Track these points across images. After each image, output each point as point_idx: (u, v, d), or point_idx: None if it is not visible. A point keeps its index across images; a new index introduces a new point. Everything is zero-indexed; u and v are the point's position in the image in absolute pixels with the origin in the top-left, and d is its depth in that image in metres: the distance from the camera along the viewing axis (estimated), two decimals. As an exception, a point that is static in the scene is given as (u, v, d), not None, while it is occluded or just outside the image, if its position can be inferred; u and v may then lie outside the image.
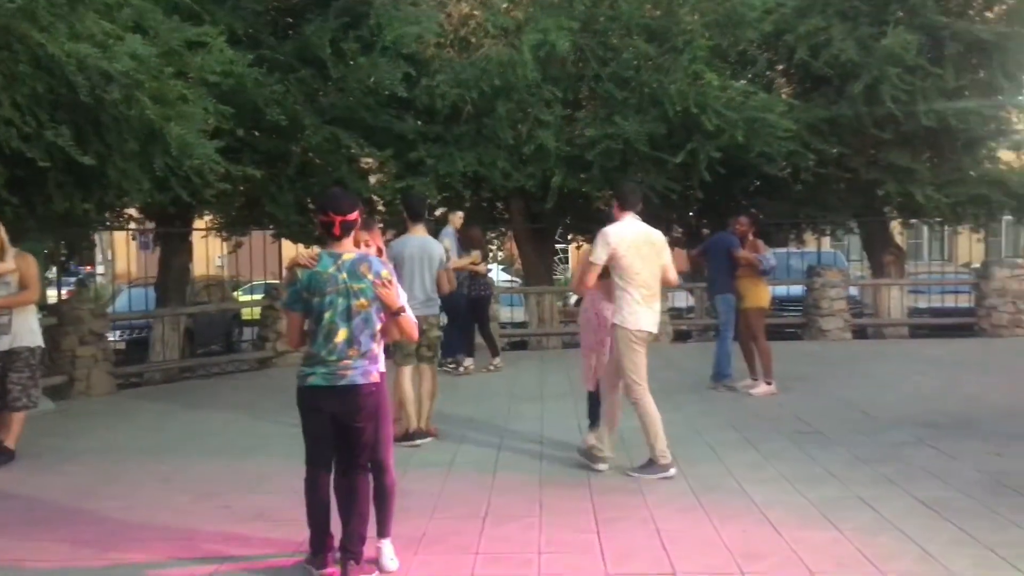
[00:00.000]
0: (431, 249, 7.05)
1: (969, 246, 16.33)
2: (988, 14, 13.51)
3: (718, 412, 7.94)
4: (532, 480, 5.87)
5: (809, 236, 16.24)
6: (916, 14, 12.73)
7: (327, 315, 4.06)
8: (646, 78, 11.94)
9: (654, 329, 6.05)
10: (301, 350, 4.29)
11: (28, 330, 6.79)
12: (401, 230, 7.32)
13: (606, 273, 6.01)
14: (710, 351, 9.54)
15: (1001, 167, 14.03)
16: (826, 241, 16.33)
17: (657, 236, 6.13)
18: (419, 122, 12.12)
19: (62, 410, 8.98)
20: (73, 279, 18.18)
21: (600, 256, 5.93)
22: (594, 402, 6.42)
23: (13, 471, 6.47)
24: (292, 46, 10.94)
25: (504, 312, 13.98)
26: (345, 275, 4.07)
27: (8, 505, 5.65)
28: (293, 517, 4.77)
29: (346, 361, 4.06)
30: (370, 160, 12.38)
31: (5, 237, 6.68)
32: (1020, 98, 13.52)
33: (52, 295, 12.65)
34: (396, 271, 4.70)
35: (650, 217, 15.80)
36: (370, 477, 4.26)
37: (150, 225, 13.80)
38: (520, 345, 13.78)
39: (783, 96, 13.51)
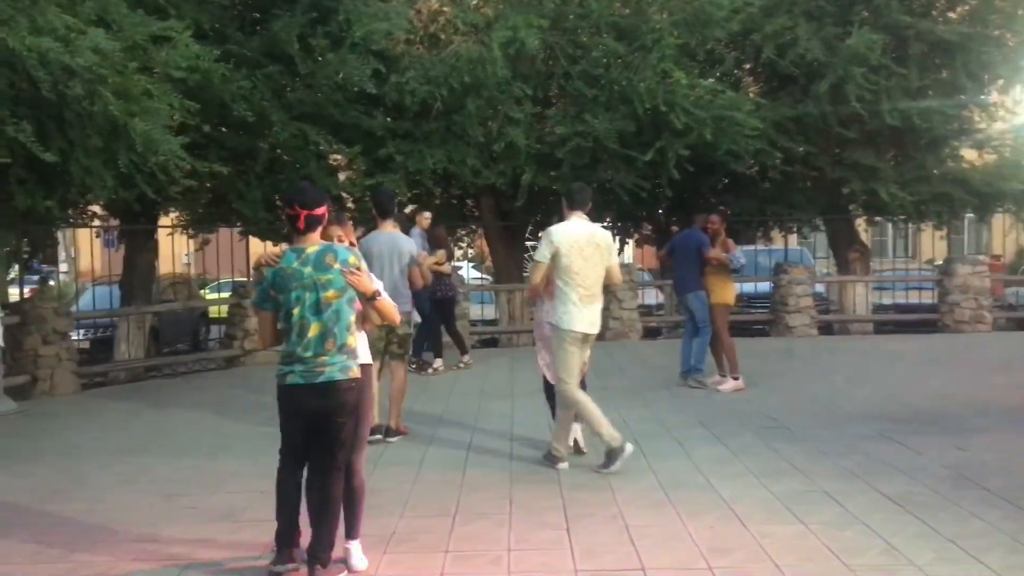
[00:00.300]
0: (401, 245, 7.02)
1: (932, 243, 16.63)
2: (951, 15, 13.73)
3: (686, 408, 8.00)
4: (502, 477, 5.88)
5: (776, 233, 16.40)
6: (880, 14, 12.91)
7: (296, 311, 4.02)
8: (615, 76, 12.00)
9: (589, 330, 6.05)
10: (275, 349, 4.24)
11: (-12, 329, 6.68)
12: (371, 227, 7.28)
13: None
14: (680, 348, 9.58)
15: (964, 166, 14.27)
16: (793, 238, 16.52)
17: (603, 237, 6.15)
18: (388, 119, 12.06)
19: (24, 411, 8.84)
20: (36, 277, 17.86)
21: (544, 255, 5.99)
22: (552, 395, 6.47)
23: (-27, 473, 6.36)
24: (259, 41, 10.83)
25: (475, 310, 13.97)
26: (310, 268, 4.02)
27: (-32, 508, 5.55)
28: (260, 517, 4.73)
29: (323, 357, 4.02)
30: (339, 157, 12.31)
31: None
32: (982, 97, 13.74)
33: (14, 293, 12.44)
34: None
35: (620, 214, 15.96)
36: (343, 478, 4.23)
37: (114, 222, 13.62)
38: (491, 343, 13.78)
39: (750, 95, 13.63)
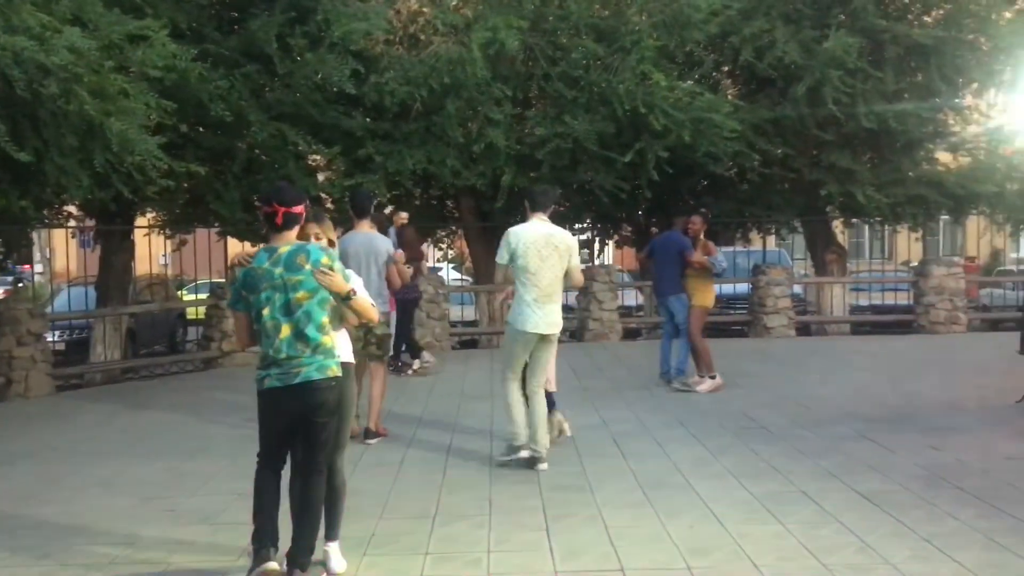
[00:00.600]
0: (377, 245, 6.99)
1: (908, 245, 16.78)
2: (926, 19, 13.88)
3: (666, 409, 8.03)
4: (482, 479, 5.88)
5: (754, 235, 16.51)
6: (857, 18, 13.03)
7: (266, 312, 3.97)
8: (595, 78, 12.03)
9: (542, 331, 6.07)
10: (252, 351, 4.20)
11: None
12: (349, 227, 7.25)
13: None
14: (659, 349, 9.61)
15: (939, 168, 14.42)
16: (771, 240, 16.62)
17: (561, 238, 6.15)
18: (368, 119, 12.03)
19: (-2, 413, 8.74)
20: (10, 278, 17.67)
21: (502, 256, 6.09)
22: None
23: (-54, 476, 6.28)
24: (237, 41, 10.77)
25: (455, 311, 13.96)
26: (281, 269, 3.97)
27: (-60, 512, 5.48)
28: (238, 520, 4.70)
29: (297, 359, 3.96)
30: (318, 157, 12.26)
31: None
32: (956, 101, 13.90)
33: (-12, 294, 12.28)
34: None
35: (599, 216, 16.00)
36: (324, 481, 4.20)
37: (90, 222, 13.48)
38: (470, 343, 13.77)
39: (729, 97, 13.72)
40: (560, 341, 6.76)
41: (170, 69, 8.77)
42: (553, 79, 12.20)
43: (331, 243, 4.50)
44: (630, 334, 14.15)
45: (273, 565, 3.99)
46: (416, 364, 10.28)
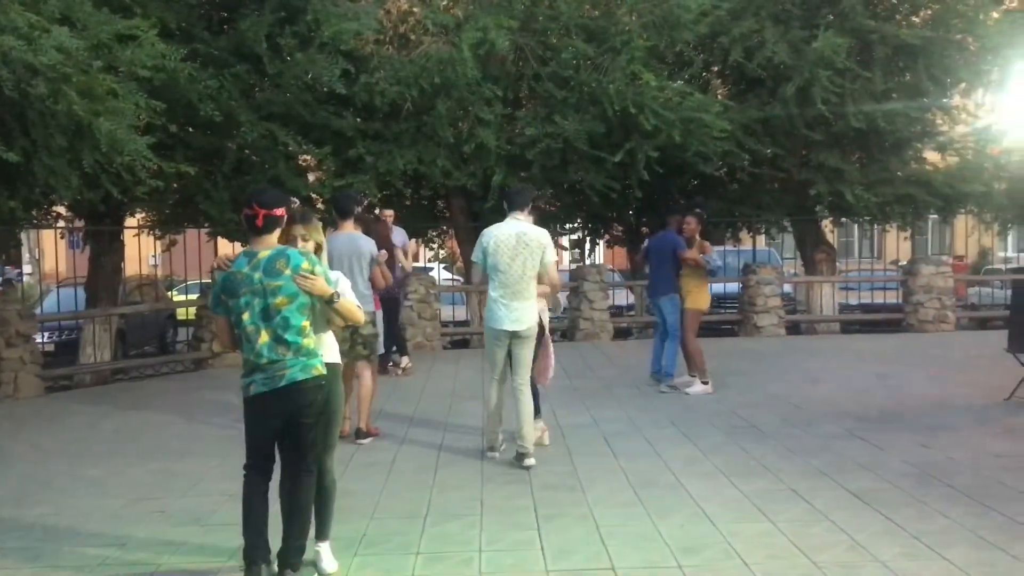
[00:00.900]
0: (360, 246, 6.97)
1: (897, 244, 16.88)
2: (914, 19, 13.93)
3: (657, 408, 8.05)
4: (473, 478, 5.88)
5: (744, 234, 16.55)
6: (846, 18, 13.08)
7: (245, 317, 3.94)
8: (585, 78, 12.04)
9: (508, 327, 6.15)
10: (238, 353, 4.19)
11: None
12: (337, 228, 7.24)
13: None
14: (650, 348, 9.63)
15: (927, 168, 14.48)
16: (761, 239, 16.67)
17: (533, 236, 6.20)
18: (358, 119, 12.00)
19: (-13, 415, 8.69)
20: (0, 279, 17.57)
21: (477, 255, 6.30)
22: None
23: (-66, 479, 6.24)
24: (227, 41, 10.73)
25: (446, 311, 13.95)
26: (260, 274, 3.94)
27: (-71, 514, 5.45)
28: (229, 521, 4.69)
29: (280, 362, 3.94)
30: (308, 158, 12.23)
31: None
32: (944, 101, 13.96)
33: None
34: None
35: (590, 215, 15.98)
36: (314, 481, 4.20)
37: (80, 223, 13.42)
38: (462, 343, 13.77)
39: (718, 97, 13.74)
40: (552, 341, 6.79)
41: (159, 69, 8.73)
42: (543, 79, 12.21)
43: (318, 246, 4.47)
44: (621, 333, 14.16)
45: None
46: (404, 363, 10.25)
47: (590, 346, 12.47)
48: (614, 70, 11.81)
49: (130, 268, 14.27)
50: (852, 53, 12.74)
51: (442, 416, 7.90)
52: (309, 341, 4.03)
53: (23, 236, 17.33)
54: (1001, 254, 25.02)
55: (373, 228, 8.09)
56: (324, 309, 4.13)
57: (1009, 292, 16.79)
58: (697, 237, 8.93)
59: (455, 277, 19.48)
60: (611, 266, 18.54)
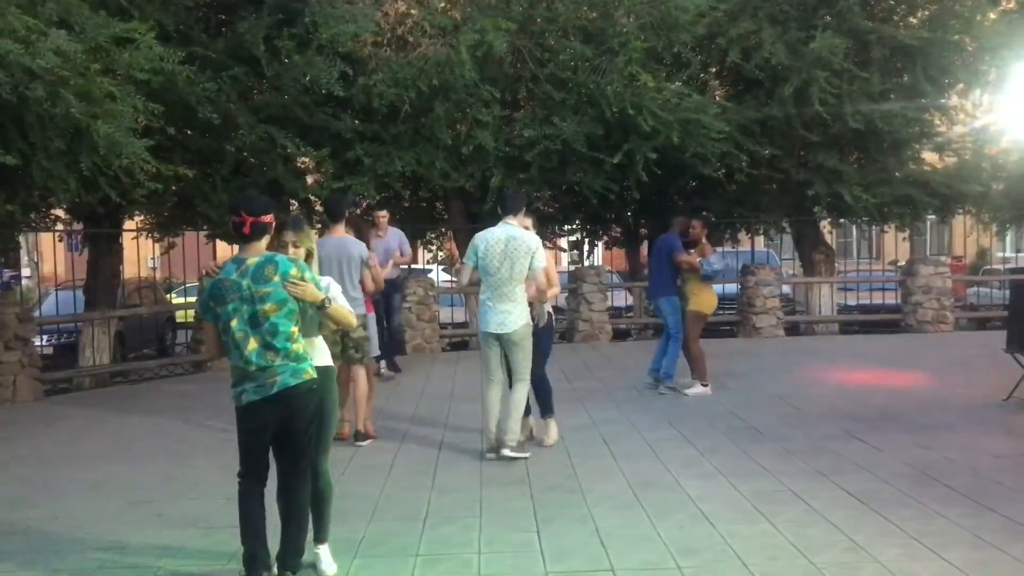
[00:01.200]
0: (350, 249, 6.95)
1: (895, 244, 16.86)
2: (912, 20, 13.95)
3: (656, 409, 8.05)
4: (472, 480, 5.88)
5: (743, 235, 16.56)
6: (843, 19, 13.09)
7: (234, 323, 3.92)
8: (583, 79, 12.04)
9: (493, 330, 6.30)
10: (225, 358, 4.17)
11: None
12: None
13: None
14: (649, 350, 9.64)
15: (925, 168, 14.49)
16: (759, 240, 16.67)
17: (523, 240, 6.27)
18: (356, 121, 12.01)
19: (-15, 418, 8.68)
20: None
21: (469, 257, 6.41)
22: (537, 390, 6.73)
23: (-67, 482, 6.23)
24: (225, 43, 10.74)
25: (444, 312, 13.95)
26: (248, 281, 3.92)
27: (-73, 518, 5.44)
28: (228, 524, 4.69)
29: (270, 368, 3.91)
30: (306, 160, 12.22)
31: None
32: (942, 101, 13.97)
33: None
34: None
35: (589, 217, 15.96)
36: (309, 481, 4.20)
37: (78, 226, 13.42)
38: (461, 345, 13.77)
39: (716, 98, 13.75)
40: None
41: (157, 72, 8.73)
42: (541, 81, 12.21)
43: (309, 253, 4.44)
44: (620, 335, 14.16)
45: None
46: (382, 367, 10.10)
47: (589, 347, 12.47)
48: (612, 71, 11.82)
49: (129, 271, 14.25)
50: (850, 54, 12.75)
51: (441, 418, 7.90)
52: (298, 346, 4.02)
53: (22, 239, 17.33)
54: (999, 254, 25.06)
55: (365, 231, 8.06)
56: (316, 315, 4.13)
57: (1007, 292, 16.86)
58: (702, 240, 8.89)
59: (453, 279, 19.45)
60: (610, 267, 18.54)
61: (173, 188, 10.94)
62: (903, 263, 15.43)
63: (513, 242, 6.23)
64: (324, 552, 4.33)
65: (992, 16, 13.58)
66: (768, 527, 4.79)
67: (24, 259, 24.81)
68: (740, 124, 12.73)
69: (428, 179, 12.32)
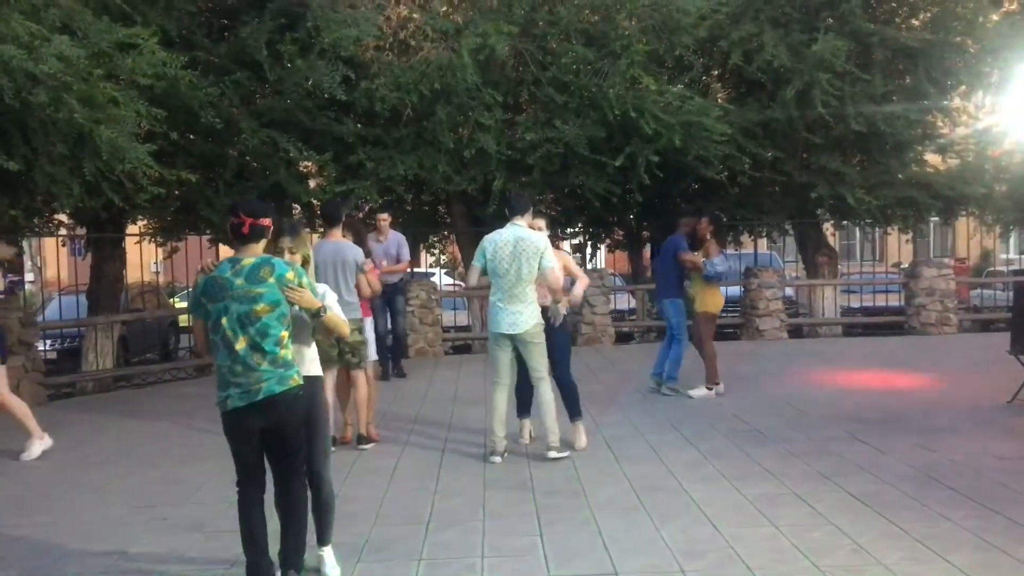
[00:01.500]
0: (345, 253, 6.93)
1: (898, 247, 16.83)
2: (914, 22, 13.95)
3: (659, 412, 8.04)
4: (475, 484, 5.87)
5: (746, 238, 16.56)
6: (845, 21, 13.09)
7: (224, 321, 3.91)
8: (585, 82, 12.05)
9: (507, 331, 6.30)
10: (211, 357, 4.14)
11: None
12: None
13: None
14: (652, 352, 9.62)
15: (928, 170, 14.48)
16: (762, 243, 16.67)
17: (531, 241, 6.29)
18: (359, 125, 12.01)
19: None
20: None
21: (477, 259, 6.43)
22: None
23: (-64, 487, 6.24)
24: (227, 48, 10.75)
25: (447, 316, 13.96)
26: (242, 280, 3.91)
27: (-69, 523, 5.45)
28: (231, 528, 4.67)
29: (256, 373, 3.89)
30: (309, 164, 12.24)
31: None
32: (945, 103, 13.96)
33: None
34: None
35: (591, 220, 15.95)
36: (307, 484, 4.20)
37: (81, 231, 13.44)
38: (464, 348, 13.77)
39: (718, 100, 13.75)
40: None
41: (160, 77, 8.75)
42: (543, 84, 12.22)
43: (305, 260, 4.45)
44: (622, 338, 14.16)
45: None
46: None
47: (592, 350, 12.45)
48: (614, 74, 11.82)
49: (132, 275, 14.28)
50: (852, 56, 12.75)
51: (444, 421, 7.90)
52: (286, 352, 3.99)
53: (25, 244, 17.36)
54: (1003, 256, 25.02)
55: (364, 235, 8.05)
56: (311, 322, 4.14)
57: (1011, 294, 16.84)
58: (709, 237, 8.85)
59: (456, 282, 19.47)
60: (612, 270, 18.55)
61: (176, 193, 10.97)
62: (906, 265, 15.41)
63: (522, 243, 6.24)
64: (328, 555, 4.33)
65: (994, 18, 13.57)
66: (772, 530, 4.78)
67: (27, 264, 24.88)
68: (742, 127, 12.72)
69: (430, 183, 12.33)
